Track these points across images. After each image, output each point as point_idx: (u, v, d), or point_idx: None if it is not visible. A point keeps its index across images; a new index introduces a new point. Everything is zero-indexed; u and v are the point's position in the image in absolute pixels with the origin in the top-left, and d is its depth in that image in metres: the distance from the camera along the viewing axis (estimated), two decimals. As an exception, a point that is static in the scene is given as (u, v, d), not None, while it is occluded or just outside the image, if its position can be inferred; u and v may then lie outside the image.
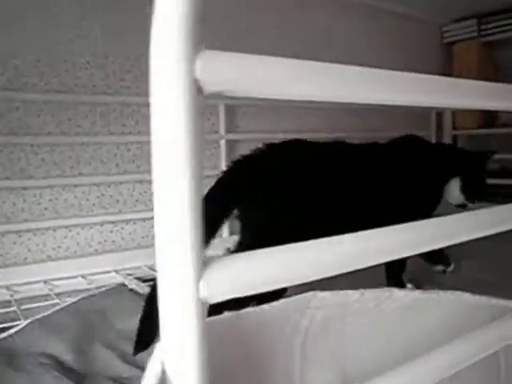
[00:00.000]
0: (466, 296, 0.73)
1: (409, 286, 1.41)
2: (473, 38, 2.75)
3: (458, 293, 0.73)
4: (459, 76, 2.74)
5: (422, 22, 2.75)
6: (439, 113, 2.78)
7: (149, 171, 0.34)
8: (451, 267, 1.50)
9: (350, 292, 0.76)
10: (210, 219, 1.02)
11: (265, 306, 0.80)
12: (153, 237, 0.32)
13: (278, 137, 2.08)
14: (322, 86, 0.39)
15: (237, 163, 1.20)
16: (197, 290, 0.31)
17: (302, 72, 0.37)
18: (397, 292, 0.75)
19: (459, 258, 1.55)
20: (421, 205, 1.32)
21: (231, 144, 1.97)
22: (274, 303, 0.76)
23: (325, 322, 0.73)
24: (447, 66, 2.84)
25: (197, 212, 0.30)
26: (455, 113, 2.77)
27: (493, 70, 2.79)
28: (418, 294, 0.75)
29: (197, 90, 0.30)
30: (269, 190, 1.15)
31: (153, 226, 0.30)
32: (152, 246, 1.73)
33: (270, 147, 1.22)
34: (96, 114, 1.67)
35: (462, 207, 1.41)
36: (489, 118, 2.75)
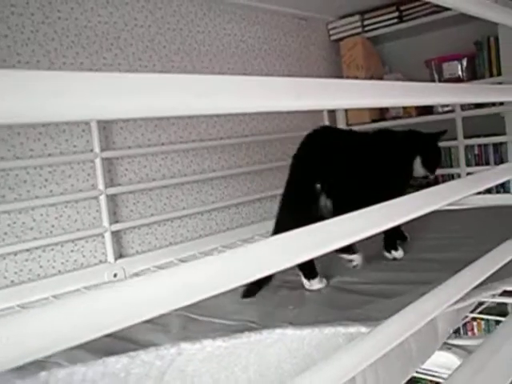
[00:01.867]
0: (289, 331, 0.67)
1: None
2: (358, 34, 2.78)
3: (278, 331, 0.68)
4: (348, 72, 2.76)
5: (309, 21, 2.74)
6: (332, 110, 2.78)
7: None
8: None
9: (113, 359, 0.68)
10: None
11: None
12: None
13: (159, 150, 2.00)
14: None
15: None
16: None
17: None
18: (188, 348, 0.68)
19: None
20: (401, 179, 1.64)
21: (109, 162, 1.85)
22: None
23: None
24: (336, 63, 2.85)
25: None
26: (348, 110, 2.78)
27: (379, 64, 2.84)
28: (221, 342, 0.69)
29: None
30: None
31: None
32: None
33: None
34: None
35: (424, 178, 1.73)
36: (380, 112, 2.79)
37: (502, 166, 1.08)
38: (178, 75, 0.36)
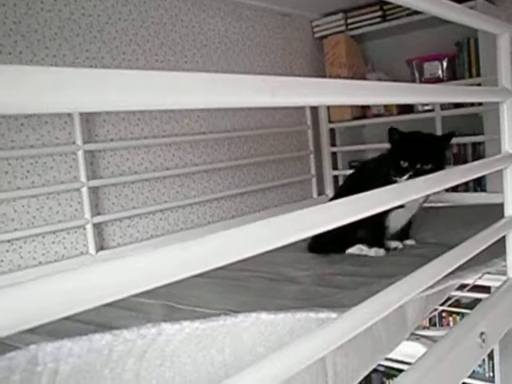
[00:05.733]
0: (263, 315, 0.70)
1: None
2: (341, 32, 2.81)
3: (253, 315, 0.71)
4: (331, 69, 2.79)
5: (293, 18, 2.77)
6: (314, 108, 2.81)
7: None
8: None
9: (97, 336, 0.70)
10: None
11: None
12: None
13: (142, 144, 2.01)
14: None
15: None
16: None
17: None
18: (168, 328, 0.71)
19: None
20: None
21: (91, 154, 1.86)
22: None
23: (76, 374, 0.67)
24: (320, 60, 2.88)
25: None
26: (330, 107, 2.82)
27: (361, 62, 2.88)
28: (199, 324, 0.72)
29: None
30: None
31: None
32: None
33: None
34: None
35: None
36: (361, 110, 2.83)
37: (477, 163, 1.12)
38: (154, 72, 0.38)
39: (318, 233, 0.54)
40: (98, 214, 1.87)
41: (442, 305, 1.21)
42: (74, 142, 1.80)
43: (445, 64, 2.62)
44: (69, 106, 0.36)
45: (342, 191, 1.81)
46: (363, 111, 2.84)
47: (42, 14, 1.73)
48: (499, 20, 1.12)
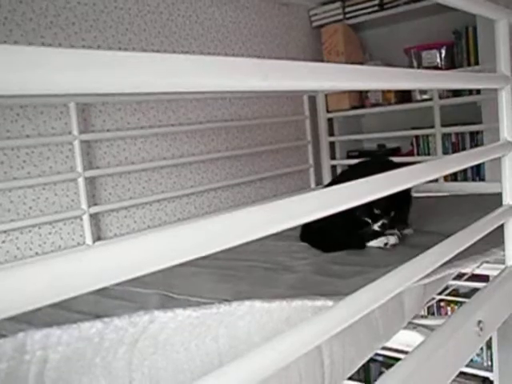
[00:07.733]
0: (258, 303, 0.70)
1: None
2: (339, 21, 2.79)
3: (247, 303, 0.70)
4: (329, 58, 2.77)
5: (290, 7, 2.74)
6: (312, 97, 2.80)
7: None
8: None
9: (87, 324, 0.70)
10: None
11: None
12: None
13: (138, 134, 2.00)
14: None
15: None
16: None
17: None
18: (161, 316, 0.70)
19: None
20: None
21: (87, 144, 1.85)
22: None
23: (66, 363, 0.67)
24: (317, 49, 2.86)
25: None
26: (328, 96, 2.80)
27: (359, 51, 2.86)
28: (191, 311, 0.71)
29: None
30: None
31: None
32: None
33: None
34: None
35: None
36: (359, 99, 2.82)
37: (475, 150, 1.11)
38: (144, 53, 0.37)
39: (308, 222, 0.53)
40: (95, 204, 1.86)
41: (440, 294, 1.21)
42: (70, 132, 1.78)
43: (443, 52, 2.60)
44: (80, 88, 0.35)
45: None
46: (361, 100, 2.83)
47: (36, 3, 1.71)
48: (498, 6, 1.11)
